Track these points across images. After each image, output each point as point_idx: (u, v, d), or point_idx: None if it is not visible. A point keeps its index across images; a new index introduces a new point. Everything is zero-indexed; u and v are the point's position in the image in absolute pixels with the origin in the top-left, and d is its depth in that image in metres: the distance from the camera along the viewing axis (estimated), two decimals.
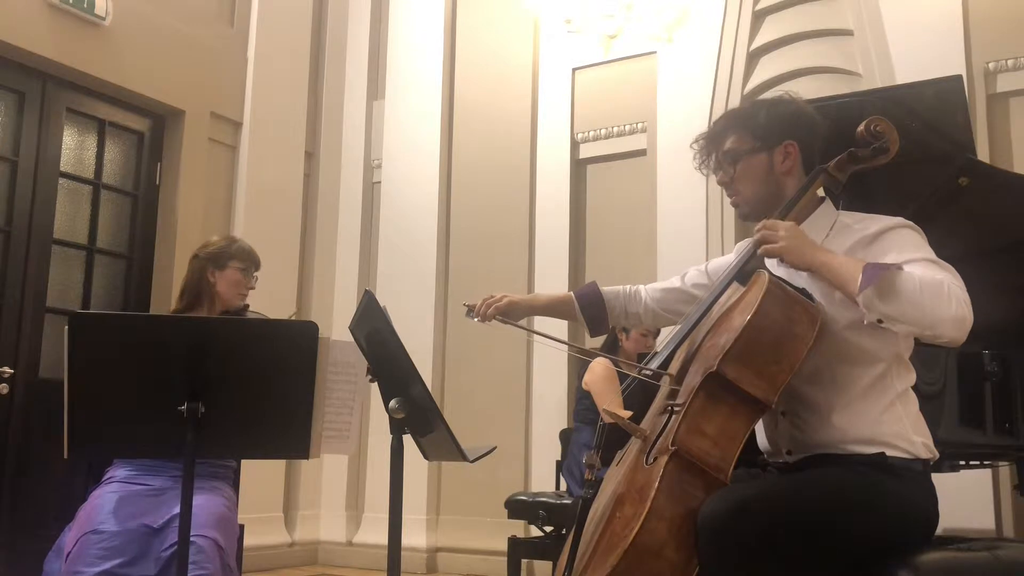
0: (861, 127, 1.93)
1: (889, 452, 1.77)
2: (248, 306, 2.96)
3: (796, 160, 1.97)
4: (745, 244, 2.02)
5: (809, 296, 1.85)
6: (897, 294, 1.66)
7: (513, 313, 2.19)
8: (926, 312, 1.65)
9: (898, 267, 1.69)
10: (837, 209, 1.98)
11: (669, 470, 1.68)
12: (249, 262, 2.91)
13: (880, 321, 1.68)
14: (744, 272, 1.93)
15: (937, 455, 1.86)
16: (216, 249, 2.90)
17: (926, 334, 1.69)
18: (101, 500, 2.48)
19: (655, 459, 1.74)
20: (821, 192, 1.99)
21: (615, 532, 1.68)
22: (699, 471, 1.70)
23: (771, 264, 1.94)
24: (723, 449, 1.73)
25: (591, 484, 1.81)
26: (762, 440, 1.97)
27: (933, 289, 1.67)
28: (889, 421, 1.80)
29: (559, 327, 4.18)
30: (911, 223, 1.88)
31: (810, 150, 1.99)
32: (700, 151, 2.07)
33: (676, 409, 1.79)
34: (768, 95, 2.18)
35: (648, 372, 1.90)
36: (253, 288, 2.94)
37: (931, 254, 1.80)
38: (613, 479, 1.87)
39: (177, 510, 2.33)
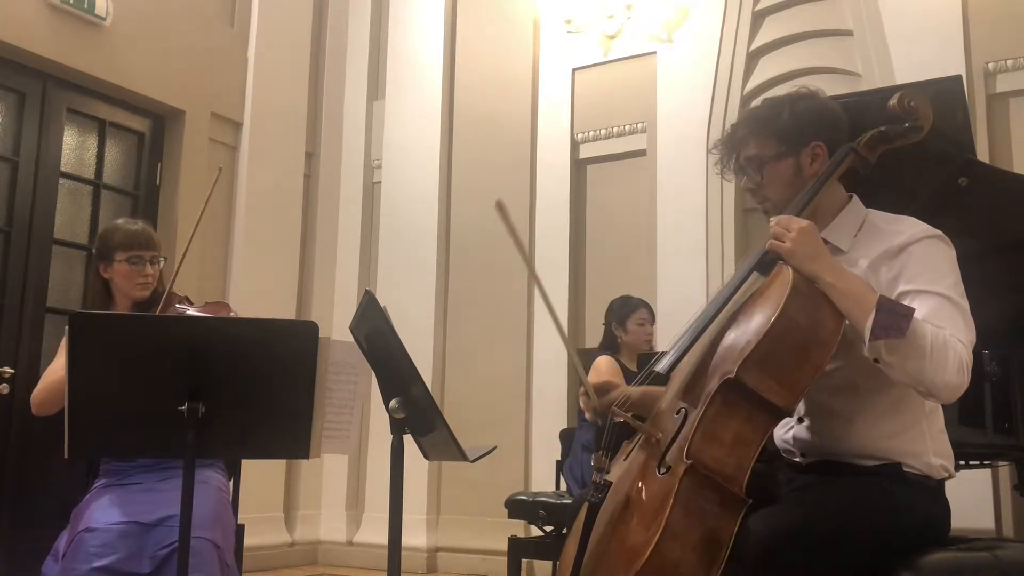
0: (893, 101, 1.82)
1: (906, 467, 1.74)
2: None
3: (824, 161, 1.87)
4: None
5: None
6: (905, 350, 1.60)
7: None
8: (926, 374, 1.61)
9: (910, 316, 1.60)
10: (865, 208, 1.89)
11: (684, 485, 1.58)
12: (136, 250, 2.61)
13: (876, 360, 1.64)
14: (765, 262, 1.81)
15: (954, 475, 1.81)
16: (98, 244, 2.65)
17: (918, 389, 1.65)
18: (93, 500, 2.49)
19: (668, 469, 1.66)
20: (840, 190, 1.91)
21: (626, 549, 1.61)
22: (715, 485, 1.60)
23: None
24: (739, 457, 1.63)
25: (600, 487, 1.69)
26: (778, 438, 1.91)
27: (940, 352, 1.60)
28: (911, 439, 1.75)
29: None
30: (941, 234, 1.78)
31: (837, 147, 1.88)
32: (721, 156, 1.97)
33: (689, 411, 1.72)
34: (782, 90, 2.06)
35: (654, 374, 1.80)
36: (151, 275, 2.63)
37: (951, 284, 1.71)
38: (619, 478, 1.79)
39: (169, 510, 2.33)
